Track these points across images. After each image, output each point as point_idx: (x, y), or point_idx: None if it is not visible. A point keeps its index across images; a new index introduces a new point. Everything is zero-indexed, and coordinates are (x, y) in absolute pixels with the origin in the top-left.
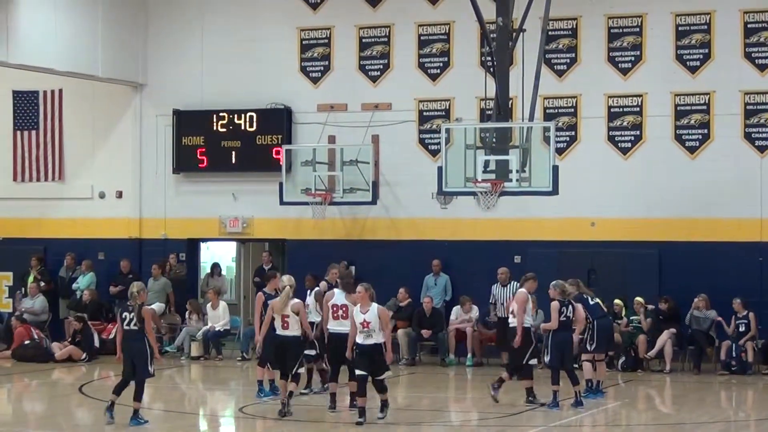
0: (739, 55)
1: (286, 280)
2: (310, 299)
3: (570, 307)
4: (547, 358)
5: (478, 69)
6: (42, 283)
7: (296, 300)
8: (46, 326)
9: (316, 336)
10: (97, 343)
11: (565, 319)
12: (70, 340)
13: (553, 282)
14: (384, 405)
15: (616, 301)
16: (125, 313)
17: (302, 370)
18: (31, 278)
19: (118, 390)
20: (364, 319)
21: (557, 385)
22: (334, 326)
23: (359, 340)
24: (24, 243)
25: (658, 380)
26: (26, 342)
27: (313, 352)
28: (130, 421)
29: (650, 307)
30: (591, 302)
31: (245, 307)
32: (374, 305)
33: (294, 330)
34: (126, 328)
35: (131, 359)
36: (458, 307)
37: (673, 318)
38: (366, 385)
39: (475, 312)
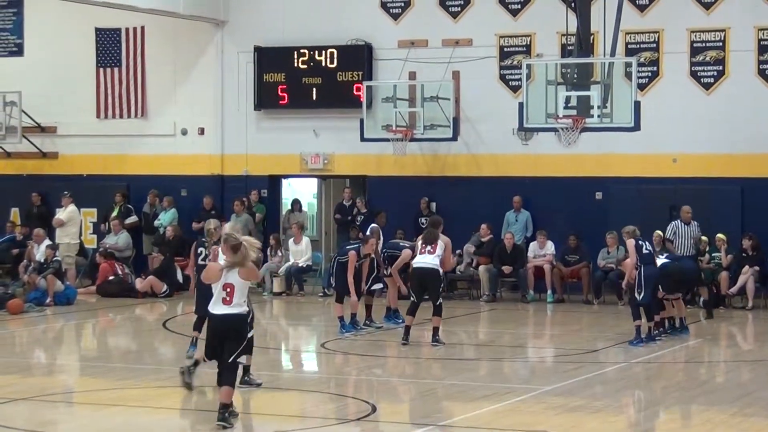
0: None
1: (228, 227)
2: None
3: (648, 242)
4: (639, 296)
5: (559, 4)
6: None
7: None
8: (130, 262)
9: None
10: (180, 279)
11: (648, 252)
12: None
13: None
14: (224, 409)
15: (702, 237)
16: (201, 249)
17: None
18: (114, 214)
19: (197, 327)
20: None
21: (639, 320)
22: (418, 261)
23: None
24: (107, 180)
25: (739, 317)
26: (110, 277)
27: (380, 286)
28: None
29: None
30: (644, 250)
31: (327, 243)
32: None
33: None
34: (202, 263)
35: (206, 295)
36: (534, 242)
37: (757, 255)
38: None
39: (550, 247)
